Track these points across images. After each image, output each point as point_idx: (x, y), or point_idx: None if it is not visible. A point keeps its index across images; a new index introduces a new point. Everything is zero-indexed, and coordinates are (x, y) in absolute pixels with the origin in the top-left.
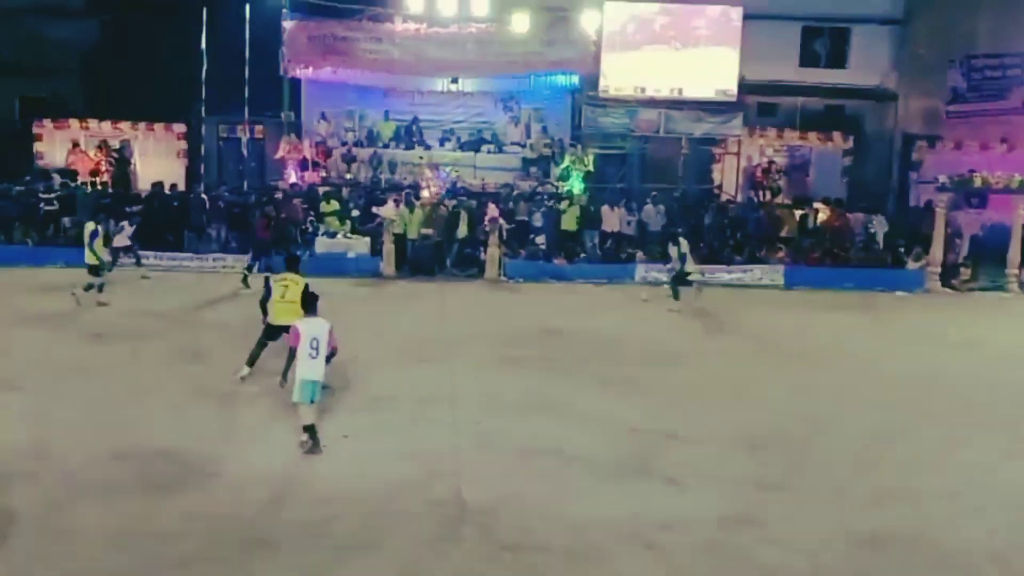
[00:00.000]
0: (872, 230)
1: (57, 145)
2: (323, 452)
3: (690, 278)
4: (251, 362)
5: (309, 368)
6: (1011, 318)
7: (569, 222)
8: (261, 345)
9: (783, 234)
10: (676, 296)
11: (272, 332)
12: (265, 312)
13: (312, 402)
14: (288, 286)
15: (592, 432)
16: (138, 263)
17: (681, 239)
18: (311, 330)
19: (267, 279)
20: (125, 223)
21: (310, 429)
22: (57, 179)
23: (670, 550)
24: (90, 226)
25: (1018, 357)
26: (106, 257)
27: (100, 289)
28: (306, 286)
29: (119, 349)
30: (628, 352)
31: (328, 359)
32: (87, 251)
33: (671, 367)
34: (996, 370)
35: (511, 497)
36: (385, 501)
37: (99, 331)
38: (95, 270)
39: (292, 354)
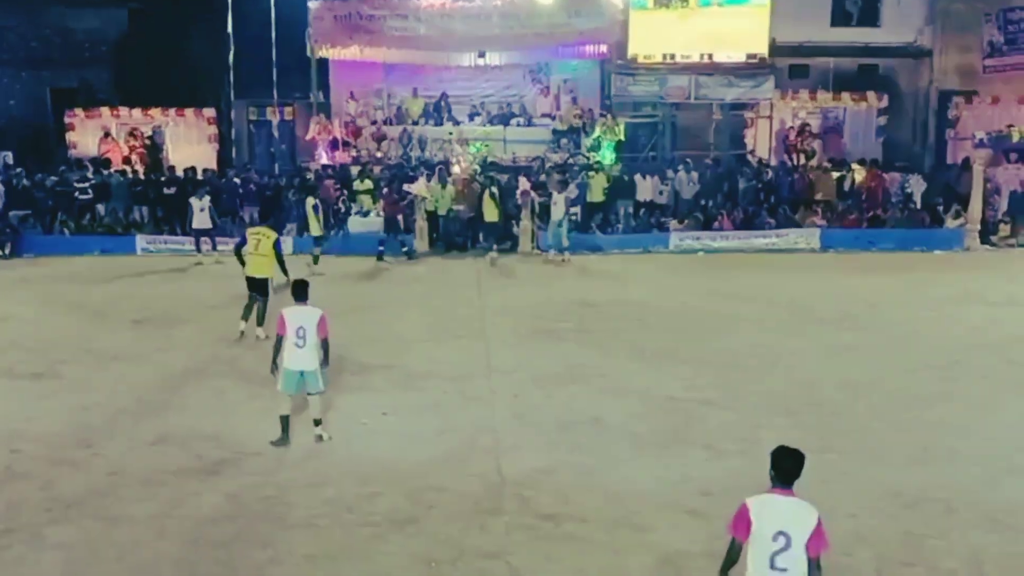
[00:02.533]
0: (909, 190)
1: (89, 135)
2: (290, 445)
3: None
4: (257, 319)
5: (294, 357)
6: None
7: (596, 192)
8: (251, 299)
9: (819, 197)
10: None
11: (248, 284)
12: (243, 262)
13: (307, 393)
14: (260, 239)
15: (629, 402)
16: (214, 247)
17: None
18: (297, 318)
19: (244, 231)
20: (194, 199)
21: (283, 420)
22: (90, 168)
23: (711, 517)
24: (311, 201)
25: None
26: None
27: (315, 260)
28: (296, 281)
29: (159, 334)
30: (663, 322)
31: (325, 351)
32: (313, 223)
33: (706, 335)
34: None
35: (550, 469)
36: (425, 477)
37: (139, 317)
38: (320, 240)
39: (279, 342)
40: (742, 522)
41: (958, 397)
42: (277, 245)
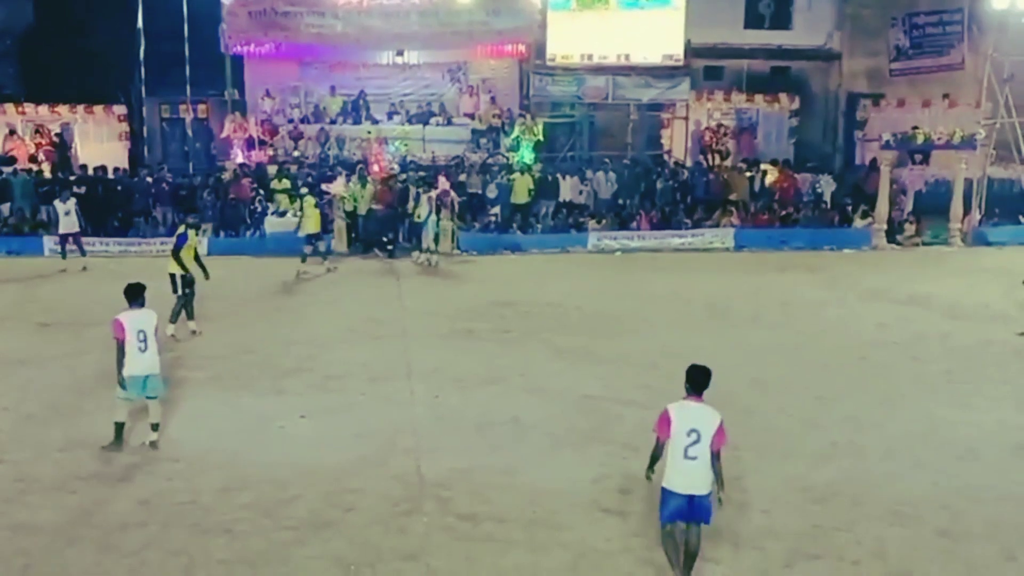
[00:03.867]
0: (819, 190)
1: None
2: (123, 450)
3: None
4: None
5: (137, 362)
6: (954, 272)
7: (520, 194)
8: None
9: (733, 197)
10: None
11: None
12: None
13: (147, 397)
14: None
15: (548, 402)
16: (82, 252)
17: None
18: (136, 322)
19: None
20: (59, 201)
21: (119, 427)
22: None
23: (629, 514)
24: (312, 199)
25: (960, 311)
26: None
27: (325, 256)
28: (130, 284)
29: (67, 337)
30: (581, 321)
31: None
32: (315, 220)
33: (623, 334)
34: (939, 324)
35: (470, 469)
36: (343, 479)
37: (46, 320)
38: (316, 238)
39: (121, 348)
40: (665, 423)
41: (864, 393)
42: (178, 240)
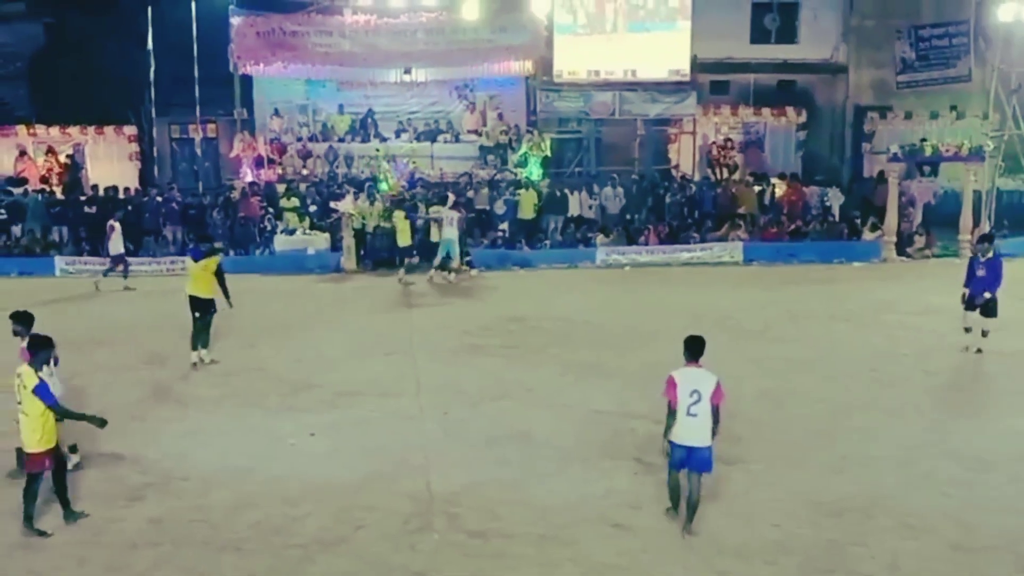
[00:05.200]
0: (828, 203)
1: (4, 153)
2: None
3: None
4: (193, 345)
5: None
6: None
7: (526, 209)
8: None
9: (741, 210)
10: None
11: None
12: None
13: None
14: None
15: (557, 417)
16: (105, 273)
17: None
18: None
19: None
20: (115, 223)
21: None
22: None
23: (639, 529)
24: (401, 213)
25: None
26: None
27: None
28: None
29: (77, 358)
30: (590, 336)
31: None
32: (407, 234)
33: (632, 349)
34: (949, 337)
35: (479, 485)
36: (353, 496)
37: (57, 340)
38: (409, 250)
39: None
40: (672, 387)
41: (876, 405)
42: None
